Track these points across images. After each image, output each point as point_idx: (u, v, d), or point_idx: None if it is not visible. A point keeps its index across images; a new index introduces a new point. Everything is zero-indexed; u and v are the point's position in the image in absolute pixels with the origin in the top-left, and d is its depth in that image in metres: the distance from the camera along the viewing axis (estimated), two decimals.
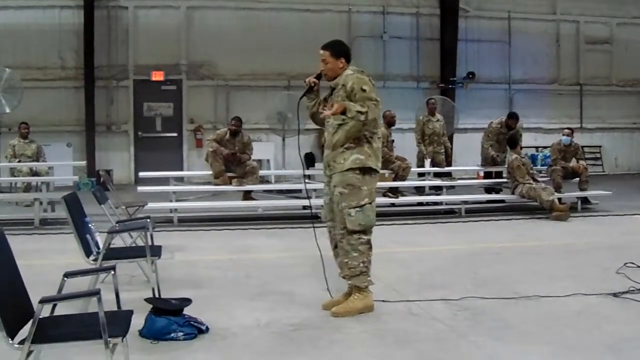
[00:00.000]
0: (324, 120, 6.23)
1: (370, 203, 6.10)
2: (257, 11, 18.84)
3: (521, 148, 13.20)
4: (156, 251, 6.53)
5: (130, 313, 4.33)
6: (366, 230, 6.10)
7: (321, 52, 6.31)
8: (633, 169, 22.14)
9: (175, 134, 18.77)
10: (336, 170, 6.09)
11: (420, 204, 13.62)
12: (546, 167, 13.60)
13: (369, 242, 6.13)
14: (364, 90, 5.97)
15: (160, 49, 18.26)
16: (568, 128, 14.38)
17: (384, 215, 12.27)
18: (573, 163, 13.71)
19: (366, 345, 5.39)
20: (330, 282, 6.49)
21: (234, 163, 12.47)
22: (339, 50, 6.27)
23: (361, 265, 6.09)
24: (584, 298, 6.67)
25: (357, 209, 6.02)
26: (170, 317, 5.49)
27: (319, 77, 6.36)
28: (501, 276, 7.70)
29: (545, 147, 14.92)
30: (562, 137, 13.86)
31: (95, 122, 17.95)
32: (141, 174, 13.24)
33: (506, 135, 13.64)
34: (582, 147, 15.28)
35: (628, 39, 21.72)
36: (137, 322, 5.24)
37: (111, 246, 6.33)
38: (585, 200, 13.70)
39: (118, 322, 4.07)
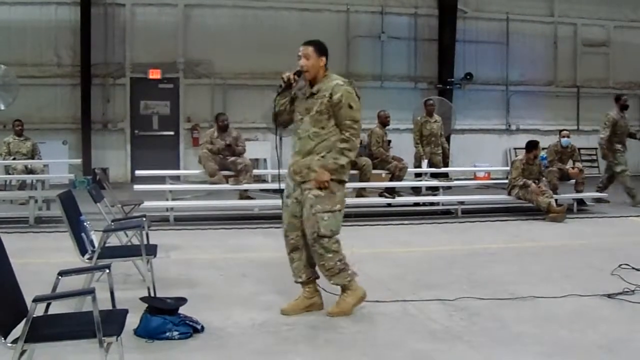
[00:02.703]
0: (287, 122, 6.36)
1: (340, 210, 6.16)
2: (255, 10, 18.80)
3: (534, 157, 13.06)
4: (152, 250, 6.51)
5: (125, 312, 4.32)
6: (334, 235, 6.10)
7: (304, 47, 6.17)
8: (629, 171, 22.05)
9: (171, 133, 18.72)
10: (311, 177, 6.06)
11: (416, 204, 13.61)
12: (543, 168, 13.58)
13: (338, 241, 6.13)
14: (350, 107, 6.00)
15: (157, 47, 18.21)
16: (566, 130, 14.39)
17: (380, 216, 12.29)
18: (569, 166, 13.73)
19: (362, 345, 5.39)
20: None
21: (228, 160, 12.44)
22: (322, 48, 6.18)
23: (338, 263, 6.10)
24: (579, 299, 6.69)
25: (329, 213, 6.02)
26: (165, 316, 5.48)
27: (299, 74, 6.19)
28: (497, 277, 7.70)
29: (543, 149, 14.89)
30: (561, 139, 13.86)
31: (92, 120, 17.87)
32: (137, 172, 13.20)
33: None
34: (579, 149, 15.29)
35: (625, 41, 21.71)
36: (133, 321, 5.26)
37: (106, 245, 6.31)
38: (581, 202, 13.71)
39: (113, 321, 4.06)
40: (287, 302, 6.30)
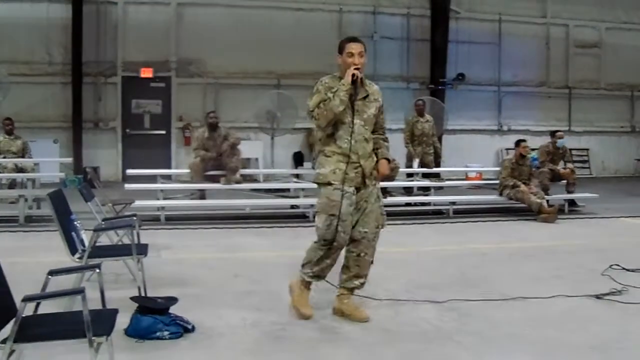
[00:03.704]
0: (335, 121, 5.79)
1: None
2: (248, 9, 18.78)
3: (522, 156, 13.07)
4: (142, 249, 6.49)
5: (115, 312, 4.30)
6: None
7: (358, 45, 5.91)
8: (620, 172, 22.22)
9: (163, 132, 18.69)
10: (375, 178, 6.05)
11: (408, 204, 13.61)
12: (534, 169, 13.60)
13: None
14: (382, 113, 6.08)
15: (149, 45, 18.18)
16: (560, 131, 14.41)
17: None
18: (561, 166, 13.76)
19: (353, 344, 5.39)
20: (322, 282, 6.44)
21: (220, 160, 12.45)
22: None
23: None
24: (570, 299, 6.70)
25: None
26: (156, 316, 5.46)
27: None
28: (488, 277, 7.71)
29: (533, 149, 14.93)
30: (558, 140, 13.87)
31: (83, 118, 17.84)
32: (129, 171, 13.17)
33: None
34: (570, 149, 15.33)
35: (617, 43, 21.79)
36: (123, 320, 5.23)
37: (97, 244, 6.29)
38: (572, 203, 13.73)
39: (102, 321, 4.04)
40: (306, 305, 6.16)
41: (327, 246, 5.88)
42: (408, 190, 14.60)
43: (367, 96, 5.93)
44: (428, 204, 13.66)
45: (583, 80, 21.81)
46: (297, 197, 13.15)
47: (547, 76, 21.57)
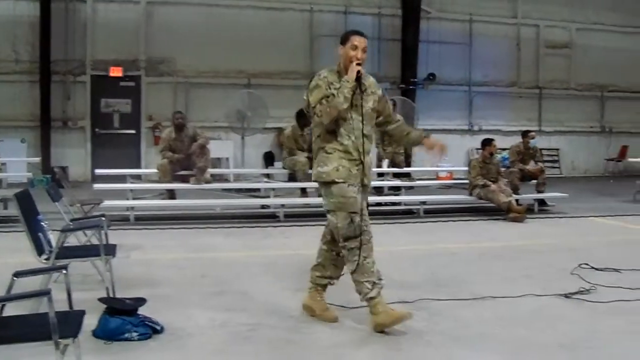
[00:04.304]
0: (338, 118, 5.61)
1: None
2: (219, 8, 18.70)
3: (491, 154, 13.15)
4: (110, 250, 6.43)
5: (82, 313, 4.25)
6: None
7: (362, 38, 5.77)
8: (590, 172, 22.42)
9: (133, 131, 18.57)
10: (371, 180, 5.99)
11: (378, 204, 13.61)
12: (504, 168, 13.67)
13: None
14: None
15: (119, 44, 18.05)
16: (531, 131, 14.49)
17: None
18: (531, 165, 13.83)
19: (322, 345, 5.38)
20: (293, 282, 6.44)
21: (188, 161, 12.38)
22: None
23: None
24: (539, 299, 6.74)
25: None
26: (124, 317, 5.41)
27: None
28: (458, 277, 7.72)
29: (504, 149, 15.03)
30: (530, 140, 13.95)
31: (51, 117, 17.67)
32: (97, 171, 13.08)
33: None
34: (541, 149, 15.41)
35: (587, 44, 21.99)
36: (91, 322, 5.20)
37: (65, 245, 6.22)
38: (542, 202, 13.81)
39: (69, 323, 3.99)
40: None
41: (356, 245, 5.65)
42: (379, 190, 14.59)
43: (365, 90, 5.81)
44: (399, 203, 13.69)
45: (553, 81, 22.00)
46: (268, 197, 13.13)
47: (517, 76, 21.71)
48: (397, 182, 14.23)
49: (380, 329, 5.61)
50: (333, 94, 5.59)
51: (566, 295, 6.80)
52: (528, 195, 13.52)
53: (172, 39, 18.31)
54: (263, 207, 12.95)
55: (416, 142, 6.43)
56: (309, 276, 6.17)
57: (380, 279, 5.75)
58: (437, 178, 18.23)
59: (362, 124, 5.74)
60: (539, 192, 13.71)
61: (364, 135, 5.74)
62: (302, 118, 13.46)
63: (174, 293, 6.89)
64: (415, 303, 6.45)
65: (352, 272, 5.71)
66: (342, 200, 5.67)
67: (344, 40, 5.78)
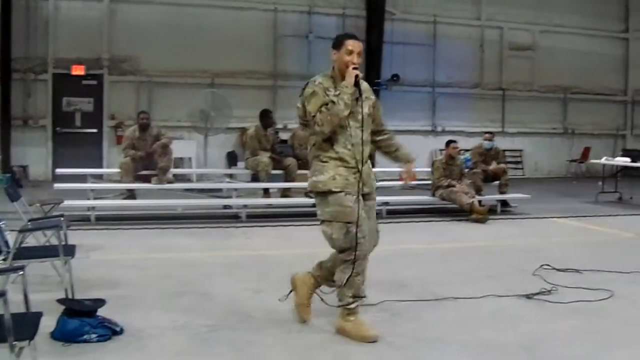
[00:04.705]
0: (338, 124, 5.45)
1: None
2: (183, 7, 18.57)
3: (451, 156, 13.22)
4: (70, 251, 6.35)
5: (39, 315, 4.19)
6: None
7: (356, 43, 5.68)
8: (553, 173, 22.60)
9: (95, 130, 18.38)
10: (374, 187, 5.82)
11: None
12: (467, 169, 13.73)
13: None
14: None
15: (81, 42, 17.82)
16: (489, 132, 14.59)
17: (303, 216, 12.24)
18: (494, 166, 13.89)
19: (283, 347, 5.36)
20: (254, 283, 6.40)
21: (150, 160, 12.30)
22: None
23: None
24: (501, 299, 6.78)
25: None
26: (83, 319, 5.35)
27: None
28: (421, 278, 7.74)
29: (467, 150, 15.09)
30: (484, 142, 14.04)
31: (12, 116, 17.41)
32: (58, 170, 12.95)
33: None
34: (504, 150, 15.51)
35: (550, 46, 22.18)
36: (49, 324, 5.14)
37: (24, 245, 6.14)
38: (504, 203, 13.90)
39: (25, 325, 3.93)
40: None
41: (351, 258, 5.45)
42: None
43: (360, 95, 5.65)
44: None
45: (517, 82, 22.16)
46: (230, 197, 13.07)
47: (481, 78, 21.84)
48: None
49: (342, 335, 5.59)
50: (333, 101, 5.40)
51: (528, 296, 6.86)
52: (491, 196, 13.60)
53: (136, 37, 18.15)
54: (225, 207, 12.89)
55: (399, 161, 6.25)
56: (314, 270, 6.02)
57: (363, 295, 5.71)
58: (400, 179, 18.24)
59: (362, 130, 5.59)
60: (502, 193, 13.78)
61: (362, 142, 5.59)
62: (266, 118, 13.45)
63: (135, 294, 6.82)
64: (377, 305, 6.44)
65: (340, 285, 5.59)
66: (339, 209, 5.46)
67: (338, 45, 5.65)
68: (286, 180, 13.04)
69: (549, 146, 22.77)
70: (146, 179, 12.33)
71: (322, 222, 5.61)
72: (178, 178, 13.16)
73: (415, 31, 20.74)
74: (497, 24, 21.81)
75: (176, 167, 15.61)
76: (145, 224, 11.38)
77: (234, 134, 18.45)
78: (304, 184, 13.28)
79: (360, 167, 5.56)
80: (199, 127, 15.65)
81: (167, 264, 8.29)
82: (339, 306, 5.65)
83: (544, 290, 7.06)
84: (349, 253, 5.46)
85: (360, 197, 5.52)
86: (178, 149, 14.68)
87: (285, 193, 13.19)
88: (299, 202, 13.03)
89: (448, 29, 21.08)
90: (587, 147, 22.15)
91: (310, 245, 9.73)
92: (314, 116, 5.43)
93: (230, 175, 15.01)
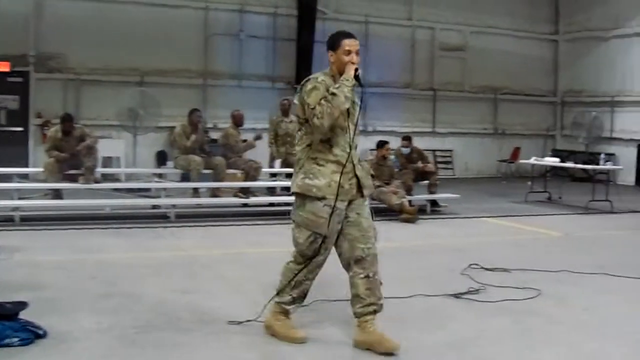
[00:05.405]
0: (335, 127, 5.39)
1: None
2: (112, 4, 18.27)
3: (384, 157, 13.28)
4: None
5: None
6: None
7: (355, 41, 5.70)
8: (483, 173, 22.89)
9: (20, 129, 17.99)
10: (371, 184, 5.70)
11: (271, 204, 13.58)
12: (397, 170, 13.79)
13: None
14: None
15: (6, 38, 17.36)
16: (406, 138, 14.48)
17: (235, 216, 12.22)
18: (423, 164, 13.96)
19: (210, 348, 5.33)
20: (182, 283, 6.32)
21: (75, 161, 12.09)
22: None
23: None
24: (429, 299, 6.85)
25: None
26: (4, 322, 5.22)
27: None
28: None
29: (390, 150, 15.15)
30: (402, 149, 14.09)
31: None
32: None
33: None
34: (434, 150, 15.61)
35: (481, 47, 22.49)
36: None
37: None
38: (434, 203, 14.02)
39: None
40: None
41: (306, 263, 5.45)
42: (271, 190, 14.57)
43: (361, 86, 5.57)
44: (291, 203, 13.63)
45: (448, 83, 22.43)
46: (159, 197, 12.92)
47: (412, 78, 22.02)
48: (290, 183, 14.17)
49: (269, 332, 5.59)
50: (334, 93, 5.27)
51: (456, 296, 6.94)
52: (420, 196, 13.70)
53: (63, 34, 17.78)
54: (154, 207, 12.73)
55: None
56: (353, 313, 5.59)
57: (303, 303, 5.71)
58: None
59: (355, 133, 5.55)
60: (431, 192, 13.88)
61: (356, 146, 5.56)
62: (192, 116, 13.34)
63: (59, 296, 6.68)
64: (306, 305, 6.42)
65: (285, 285, 5.55)
66: (312, 218, 5.35)
67: (335, 45, 5.56)
68: (215, 180, 12.95)
69: (480, 146, 23.07)
70: (73, 179, 12.09)
71: (294, 222, 5.54)
72: (106, 177, 12.96)
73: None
74: (428, 25, 22.03)
75: (104, 166, 15.39)
76: (72, 224, 11.15)
77: (163, 133, 18.23)
78: (233, 184, 13.32)
79: (357, 171, 5.47)
80: (128, 126, 15.43)
81: (93, 265, 8.13)
82: (276, 302, 5.61)
83: (472, 289, 7.16)
84: (305, 259, 5.46)
85: (343, 206, 5.40)
86: (106, 148, 14.49)
87: (214, 193, 13.11)
88: (229, 202, 12.99)
89: (379, 29, 21.19)
90: (517, 148, 22.50)
91: (238, 245, 9.74)
92: (313, 108, 5.25)
93: (160, 175, 14.84)
